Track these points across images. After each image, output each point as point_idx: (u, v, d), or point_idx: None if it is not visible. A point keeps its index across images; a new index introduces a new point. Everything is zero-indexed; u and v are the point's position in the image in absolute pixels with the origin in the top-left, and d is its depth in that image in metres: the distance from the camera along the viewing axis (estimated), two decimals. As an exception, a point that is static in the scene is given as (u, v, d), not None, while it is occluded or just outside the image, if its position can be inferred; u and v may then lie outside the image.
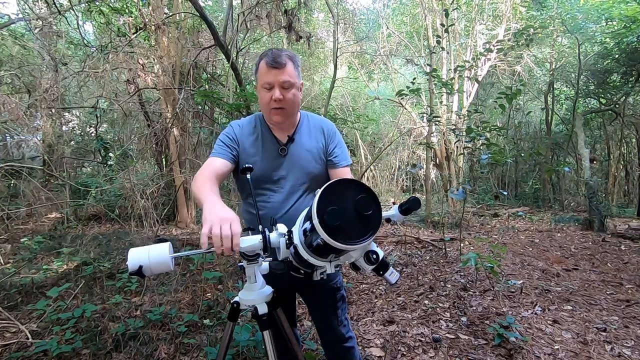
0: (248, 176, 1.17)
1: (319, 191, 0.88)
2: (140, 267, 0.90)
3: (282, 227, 1.02)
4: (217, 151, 1.35)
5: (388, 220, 1.03)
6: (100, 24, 6.60)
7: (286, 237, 0.99)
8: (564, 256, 4.59)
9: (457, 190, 3.96)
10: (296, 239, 0.98)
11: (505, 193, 10.25)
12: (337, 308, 1.48)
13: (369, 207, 0.89)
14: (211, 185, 1.17)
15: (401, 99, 8.77)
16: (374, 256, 0.94)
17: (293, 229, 1.02)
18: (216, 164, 1.30)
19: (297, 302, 1.65)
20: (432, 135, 8.06)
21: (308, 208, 0.97)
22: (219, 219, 0.92)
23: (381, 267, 0.96)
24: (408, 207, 0.99)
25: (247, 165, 1.18)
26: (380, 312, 2.85)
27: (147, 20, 5.69)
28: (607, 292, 3.29)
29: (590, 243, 5.30)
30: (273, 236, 1.00)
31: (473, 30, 9.33)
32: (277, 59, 1.25)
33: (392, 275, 0.97)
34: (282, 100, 1.28)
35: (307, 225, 0.92)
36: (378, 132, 13.00)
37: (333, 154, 1.42)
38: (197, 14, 4.20)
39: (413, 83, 4.32)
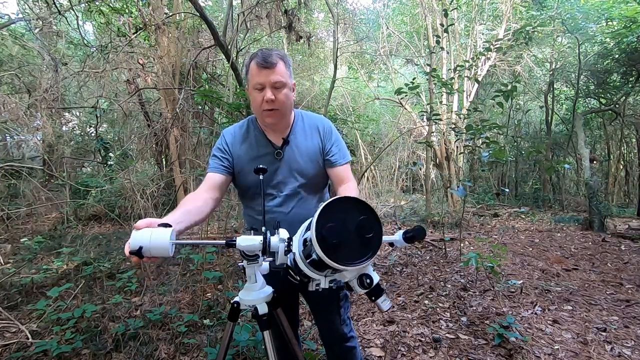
0: (261, 177, 1.16)
1: (321, 205, 0.86)
2: (141, 247, 0.90)
3: (283, 232, 1.01)
4: (212, 165, 1.36)
5: (391, 244, 1.01)
6: (100, 24, 6.61)
7: (286, 243, 0.98)
8: (564, 256, 4.59)
9: (458, 188, 3.96)
10: (295, 248, 0.97)
11: (507, 190, 10.26)
12: (339, 307, 1.48)
13: (371, 229, 0.87)
14: (181, 209, 1.18)
15: (401, 98, 8.79)
16: (368, 280, 0.92)
17: (294, 236, 1.01)
18: (211, 180, 1.33)
19: (299, 302, 1.65)
20: (432, 134, 8.06)
21: (311, 219, 0.96)
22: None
23: (374, 292, 0.94)
24: (412, 236, 0.96)
25: (260, 167, 1.16)
26: (380, 312, 2.85)
27: (147, 20, 5.69)
28: (607, 292, 3.29)
29: (590, 243, 5.30)
30: (274, 240, 0.99)
31: (473, 30, 9.33)
32: (268, 59, 1.22)
33: (385, 302, 0.95)
34: (274, 101, 1.24)
35: (308, 234, 0.91)
36: (378, 132, 12.99)
37: (330, 153, 1.38)
38: (197, 14, 4.20)
39: (413, 82, 4.32)
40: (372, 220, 0.88)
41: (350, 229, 0.86)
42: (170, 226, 0.97)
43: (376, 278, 0.94)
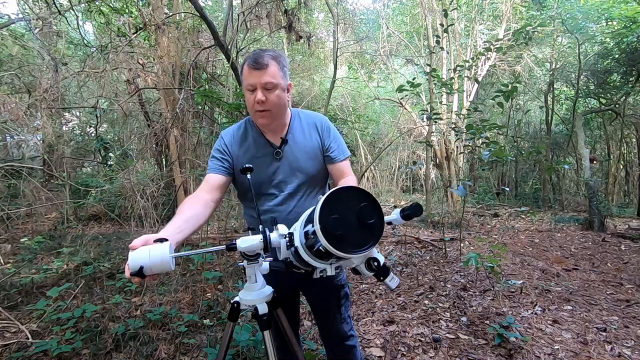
0: (248, 176, 1.16)
1: (322, 198, 0.87)
2: (141, 267, 0.90)
3: (282, 228, 1.02)
4: (211, 167, 1.36)
5: (389, 223, 1.03)
6: (100, 24, 6.61)
7: (287, 238, 0.99)
8: (564, 256, 4.59)
9: (458, 187, 3.97)
10: (297, 241, 0.97)
11: (508, 189, 10.27)
12: (340, 305, 1.48)
13: (371, 216, 0.89)
14: (181, 216, 1.17)
15: (401, 98, 8.80)
16: (375, 263, 0.94)
17: (293, 230, 1.01)
18: (211, 181, 1.33)
19: (299, 302, 1.65)
20: (432, 134, 8.07)
21: (310, 210, 0.96)
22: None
23: (381, 273, 0.96)
24: (410, 213, 0.98)
25: (247, 166, 1.16)
26: (380, 312, 2.85)
27: (147, 20, 5.69)
28: (607, 292, 3.29)
29: (590, 243, 5.30)
30: (274, 236, 1.00)
31: (473, 30, 9.34)
32: (259, 60, 1.22)
33: (392, 280, 0.97)
34: (265, 102, 1.24)
35: (310, 227, 0.92)
36: (378, 132, 13.00)
37: (330, 149, 1.39)
38: (197, 14, 4.20)
39: (413, 80, 4.32)
40: (372, 206, 0.90)
41: (353, 218, 0.88)
42: (166, 240, 0.96)
43: (382, 259, 0.96)
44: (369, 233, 0.89)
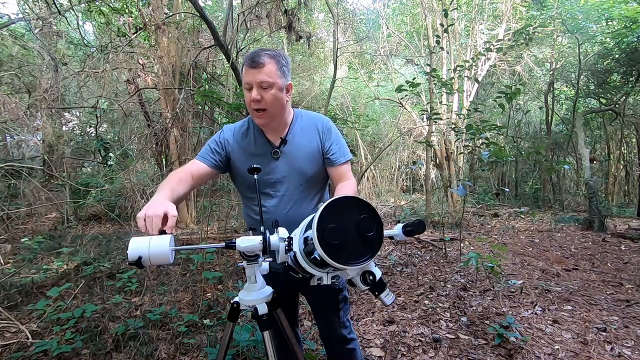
0: (255, 176, 1.16)
1: (322, 206, 0.87)
2: (140, 257, 0.90)
3: (283, 231, 1.01)
4: (202, 155, 1.35)
5: (391, 238, 1.02)
6: (100, 24, 6.61)
7: (286, 242, 0.98)
8: (564, 256, 4.59)
9: (458, 187, 3.97)
10: (296, 247, 0.97)
11: (507, 190, 10.28)
12: (339, 309, 1.47)
13: (371, 228, 0.88)
14: (173, 182, 1.20)
15: (401, 98, 8.80)
16: (370, 277, 0.93)
17: (293, 234, 1.01)
18: (194, 167, 1.32)
19: (298, 302, 1.65)
20: (432, 134, 8.06)
21: (312, 216, 0.96)
22: (152, 204, 0.99)
23: (377, 288, 0.95)
24: (412, 230, 0.97)
25: (254, 166, 1.15)
26: (380, 312, 2.85)
27: (147, 20, 5.69)
28: (607, 292, 3.29)
29: (590, 243, 5.30)
30: (273, 239, 0.99)
31: (473, 30, 9.33)
32: (255, 59, 1.22)
33: (388, 296, 0.96)
34: (260, 101, 1.24)
35: (309, 233, 0.91)
36: (378, 132, 12.99)
37: (330, 152, 1.37)
38: (197, 14, 4.20)
39: (413, 80, 4.32)
40: (372, 219, 0.89)
41: (351, 229, 0.87)
42: (167, 233, 0.96)
43: (378, 273, 0.94)
44: (367, 246, 0.88)
